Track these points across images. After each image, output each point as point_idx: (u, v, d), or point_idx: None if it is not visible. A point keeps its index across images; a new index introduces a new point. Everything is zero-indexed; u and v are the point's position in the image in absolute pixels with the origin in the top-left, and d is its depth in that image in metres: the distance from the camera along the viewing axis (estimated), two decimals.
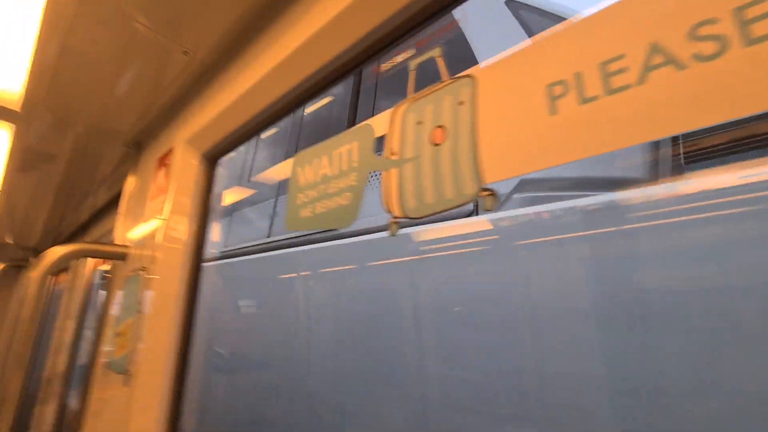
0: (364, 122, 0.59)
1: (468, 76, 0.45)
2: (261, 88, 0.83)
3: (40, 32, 0.87)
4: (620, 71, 0.33)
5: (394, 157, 0.51)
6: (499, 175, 0.39)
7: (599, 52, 0.34)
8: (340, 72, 0.76)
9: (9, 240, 3.01)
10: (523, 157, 0.37)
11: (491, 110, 0.41)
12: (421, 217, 0.45)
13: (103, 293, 2.26)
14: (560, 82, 0.36)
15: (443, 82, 0.48)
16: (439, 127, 0.46)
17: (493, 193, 0.39)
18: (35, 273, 0.98)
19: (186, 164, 0.98)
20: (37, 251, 3.20)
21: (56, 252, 1.03)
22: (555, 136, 0.36)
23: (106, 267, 2.37)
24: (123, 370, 0.92)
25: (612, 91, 0.33)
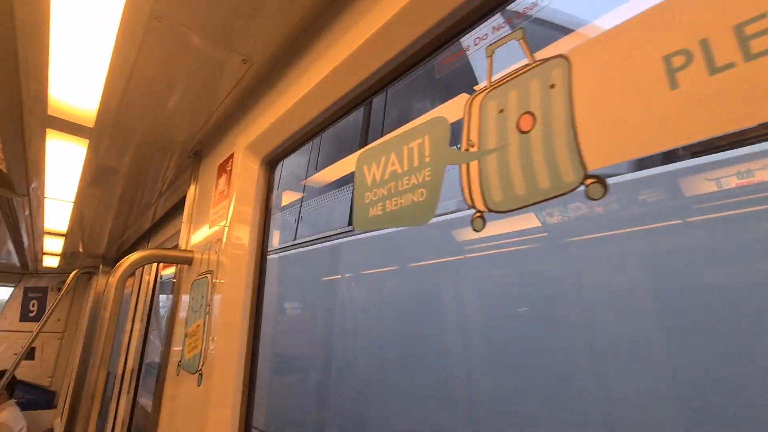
0: (434, 114, 0.57)
1: (559, 56, 0.41)
2: (319, 92, 0.83)
3: (112, 59, 0.92)
4: (764, 32, 0.28)
5: (473, 149, 0.48)
6: (607, 160, 0.36)
7: (732, 14, 0.30)
8: (395, 74, 0.75)
9: (80, 249, 3.27)
10: (637, 139, 0.34)
11: (592, 90, 0.38)
12: (510, 210, 0.43)
13: (162, 297, 2.40)
14: (681, 52, 0.32)
15: (528, 66, 0.45)
16: (527, 113, 0.43)
17: (599, 180, 0.36)
18: (114, 277, 1.04)
19: (247, 169, 1.01)
20: (105, 258, 3.46)
21: (131, 257, 1.09)
22: (677, 113, 0.32)
23: (167, 272, 2.52)
24: (196, 369, 0.96)
25: (753, 56, 0.29)
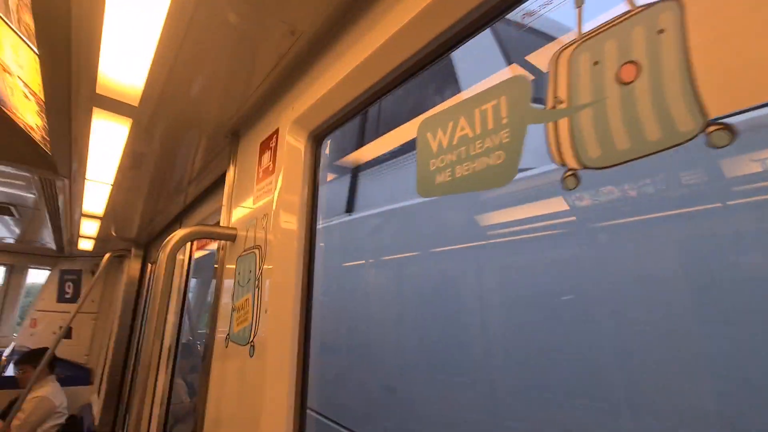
0: (511, 74, 0.55)
1: None
2: (369, 65, 0.81)
3: (163, 32, 0.93)
4: None
5: (562, 106, 0.46)
6: (733, 105, 0.33)
7: None
8: (448, 46, 0.73)
9: (113, 233, 3.37)
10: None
11: (711, 32, 0.36)
12: (612, 166, 0.41)
13: (193, 280, 2.45)
14: None
15: (628, 13, 0.42)
16: (629, 63, 0.41)
17: (725, 126, 0.34)
18: (164, 253, 1.06)
19: (293, 144, 1.00)
20: (137, 242, 3.56)
21: (178, 233, 1.11)
22: None
23: (200, 255, 2.56)
24: (247, 341, 0.97)
25: None
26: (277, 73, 1.04)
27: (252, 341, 0.95)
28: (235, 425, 0.96)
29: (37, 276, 5.10)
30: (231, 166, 1.39)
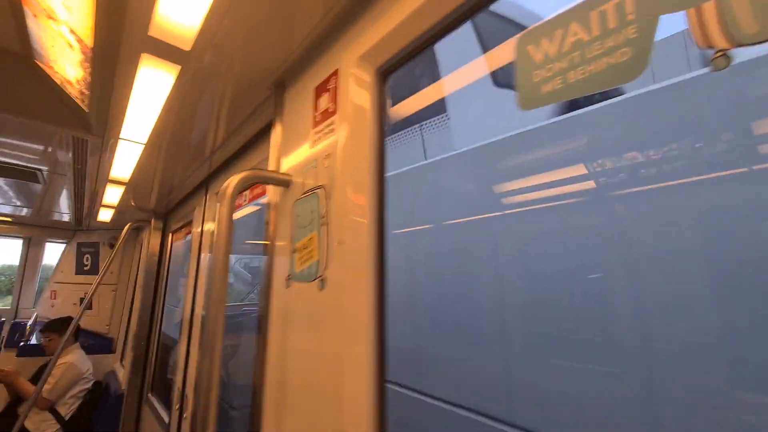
0: None
1: None
2: None
3: None
4: None
5: None
6: None
7: None
8: None
9: (132, 203, 3.38)
10: None
11: None
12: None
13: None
14: None
15: None
16: None
17: None
18: (224, 198, 1.06)
19: (359, 82, 1.00)
20: (155, 213, 3.57)
21: (235, 178, 1.11)
22: None
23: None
24: (314, 276, 0.99)
25: None
26: (340, 8, 1.03)
27: (322, 275, 0.96)
28: (311, 375, 0.95)
29: (48, 258, 5.11)
30: (277, 116, 1.38)
